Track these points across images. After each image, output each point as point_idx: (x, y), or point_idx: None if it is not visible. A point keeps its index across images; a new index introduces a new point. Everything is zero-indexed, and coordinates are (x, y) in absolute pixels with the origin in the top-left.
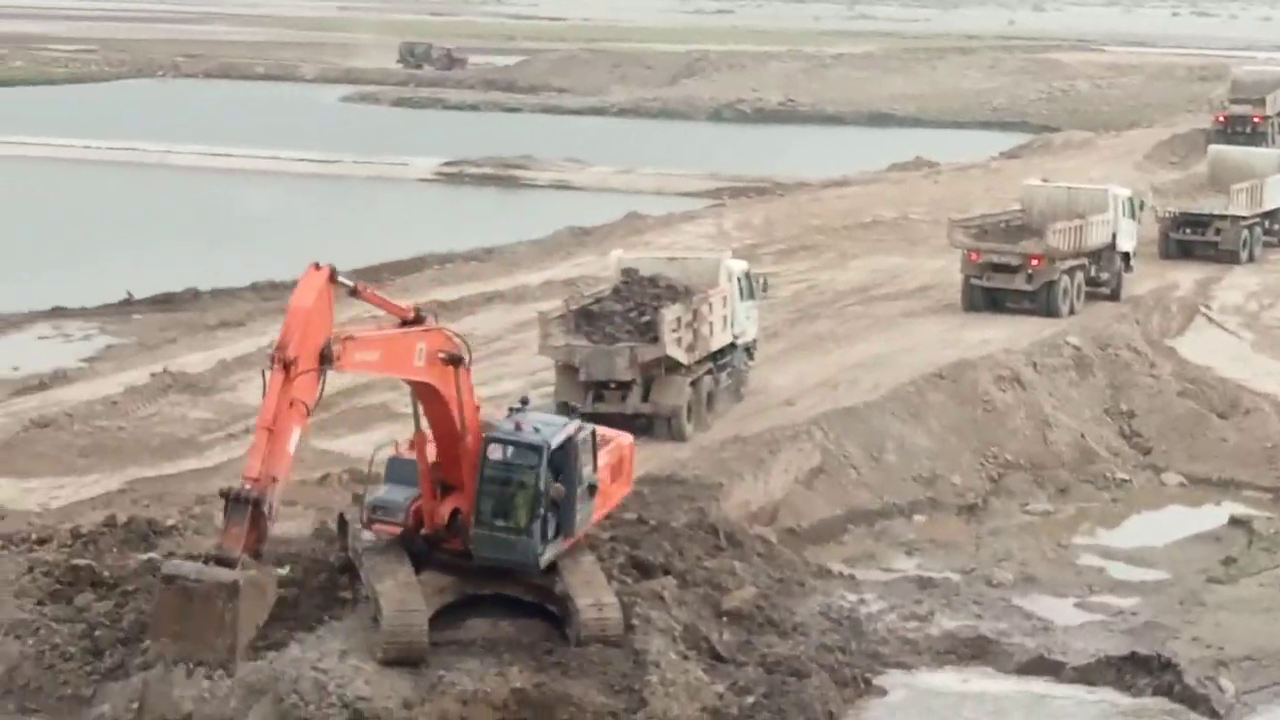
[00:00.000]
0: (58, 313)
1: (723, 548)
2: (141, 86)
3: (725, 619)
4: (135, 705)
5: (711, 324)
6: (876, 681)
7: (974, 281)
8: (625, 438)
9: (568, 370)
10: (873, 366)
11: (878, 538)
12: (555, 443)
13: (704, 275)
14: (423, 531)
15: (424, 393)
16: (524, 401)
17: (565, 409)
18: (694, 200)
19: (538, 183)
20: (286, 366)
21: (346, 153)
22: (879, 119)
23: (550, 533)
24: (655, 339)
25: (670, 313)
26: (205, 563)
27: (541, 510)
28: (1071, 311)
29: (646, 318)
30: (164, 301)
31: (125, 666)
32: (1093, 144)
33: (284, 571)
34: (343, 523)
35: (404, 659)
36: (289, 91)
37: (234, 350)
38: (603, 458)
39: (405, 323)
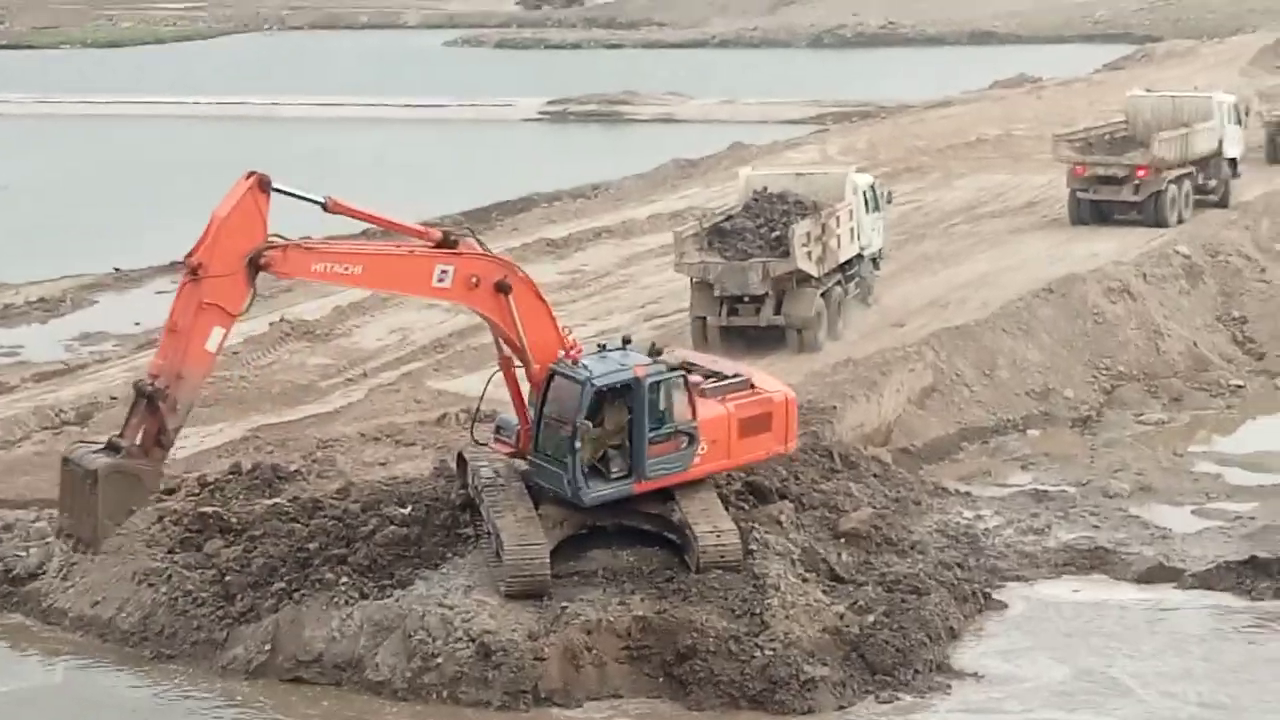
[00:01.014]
0: (176, 267)
1: (838, 470)
2: (248, 41)
3: (843, 540)
4: (267, 647)
5: (839, 237)
6: (996, 596)
7: (1080, 195)
8: (780, 394)
9: (703, 286)
10: (981, 284)
11: (992, 454)
12: (603, 382)
13: (830, 189)
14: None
15: (485, 318)
16: (626, 340)
17: (701, 325)
18: (797, 127)
19: (641, 117)
20: (194, 271)
21: (451, 96)
22: (981, 38)
23: (613, 472)
24: (786, 253)
25: (801, 228)
26: (102, 450)
27: (578, 445)
28: (1180, 220)
29: (777, 233)
30: None
31: (256, 610)
32: (1196, 52)
33: (406, 511)
34: (462, 460)
35: (527, 592)
36: (393, 39)
37: (348, 297)
38: (723, 408)
39: (436, 245)
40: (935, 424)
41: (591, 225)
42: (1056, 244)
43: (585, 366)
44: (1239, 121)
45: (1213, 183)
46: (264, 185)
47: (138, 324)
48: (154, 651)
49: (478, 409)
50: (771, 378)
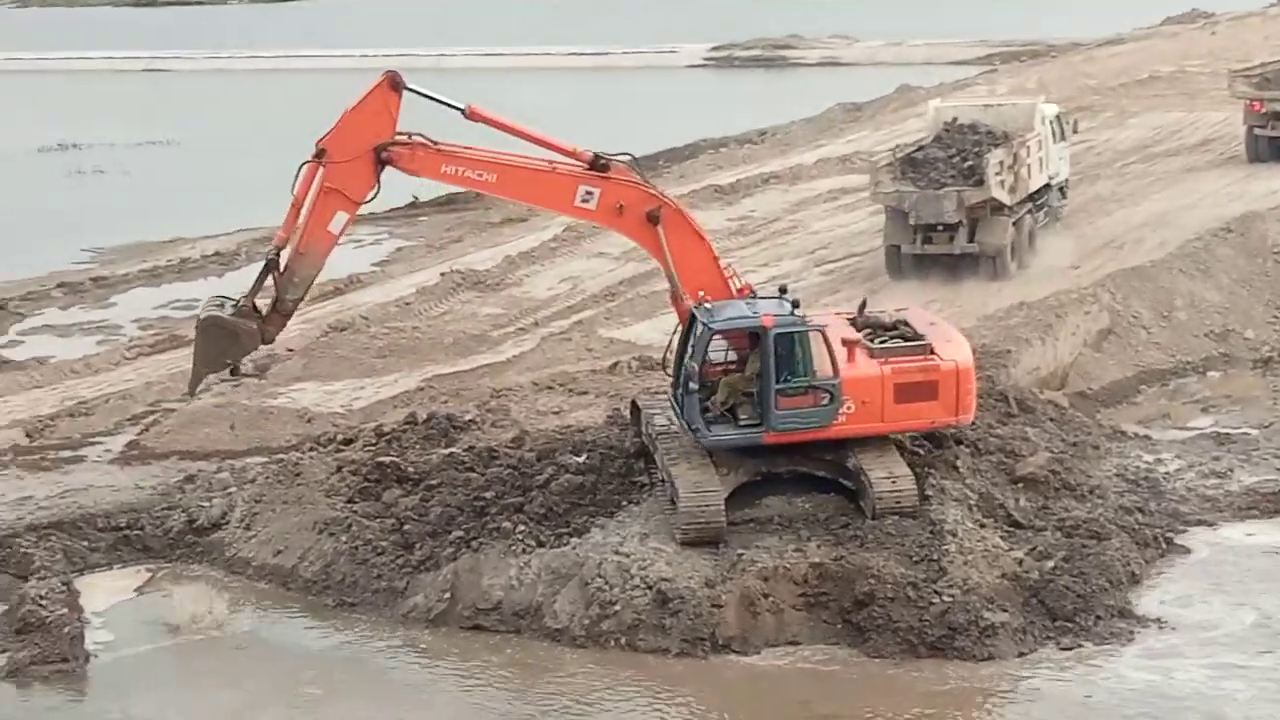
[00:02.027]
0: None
1: (1014, 414)
2: None
3: (1020, 485)
4: (446, 595)
5: (1029, 166)
6: (1178, 540)
7: (1258, 132)
8: (951, 364)
9: (897, 215)
10: (1157, 224)
11: (1171, 396)
12: (721, 327)
13: (1019, 120)
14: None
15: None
16: (782, 290)
17: (895, 253)
18: (966, 68)
19: (806, 61)
20: (318, 155)
21: (617, 44)
22: None
23: (741, 418)
24: (980, 182)
25: (994, 156)
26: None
27: (694, 386)
28: None
29: (969, 162)
30: (448, 202)
31: (435, 558)
32: None
33: (581, 459)
34: (635, 408)
35: (703, 539)
36: None
37: (519, 246)
38: (875, 369)
39: (589, 166)
40: (1112, 367)
41: (759, 171)
42: (1234, 182)
43: (709, 310)
44: None
45: None
46: (395, 84)
47: None
48: (336, 600)
49: (665, 358)
50: (962, 345)
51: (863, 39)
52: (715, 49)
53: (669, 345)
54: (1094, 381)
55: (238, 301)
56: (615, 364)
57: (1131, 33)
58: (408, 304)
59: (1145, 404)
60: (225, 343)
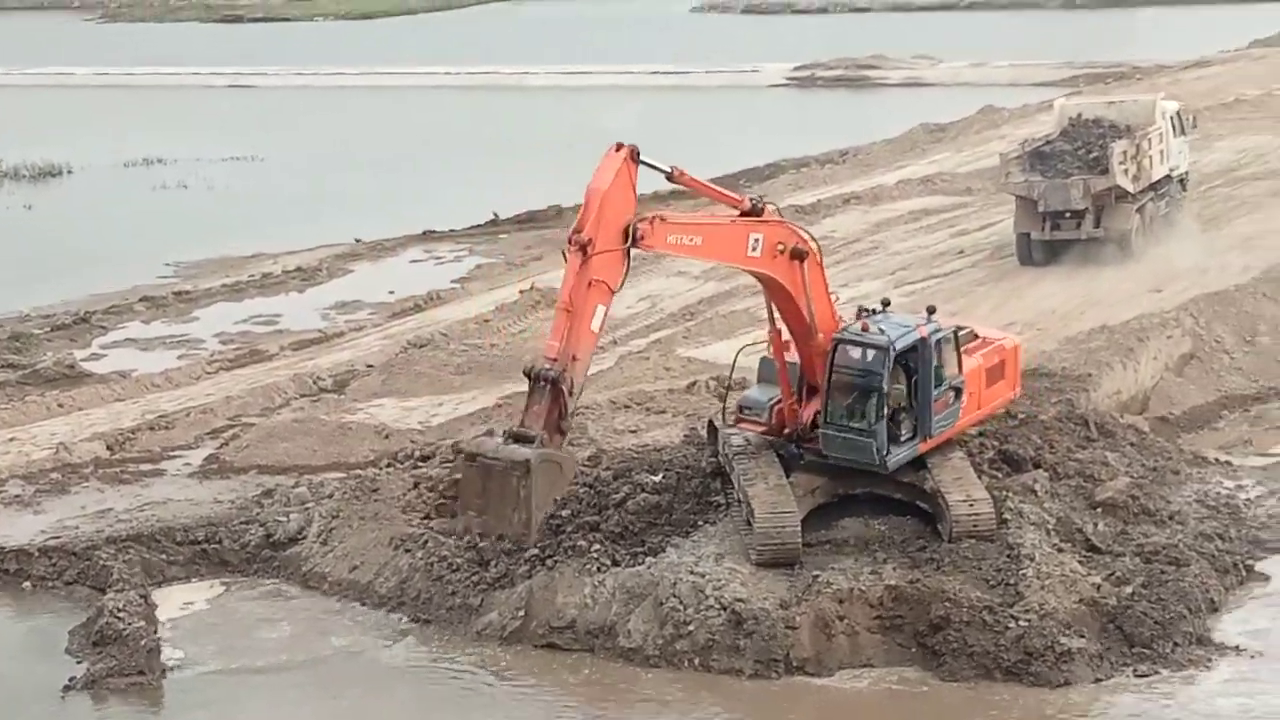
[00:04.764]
0: (428, 236)
1: (1094, 438)
2: (498, 11)
3: (1099, 510)
4: (521, 613)
5: (1151, 157)
6: (1259, 568)
7: None
8: (1009, 340)
9: (1026, 203)
10: (1242, 249)
11: (1254, 422)
12: (902, 344)
13: (1140, 115)
14: (785, 432)
15: (771, 287)
16: (885, 303)
17: (1025, 240)
18: (1050, 90)
19: (889, 81)
20: (583, 248)
21: (699, 63)
22: None
23: (903, 434)
24: (1105, 170)
25: (1118, 146)
26: (505, 440)
27: (885, 411)
28: None
29: (1094, 154)
30: (528, 220)
31: (510, 575)
32: None
33: (658, 478)
34: (712, 428)
35: (778, 560)
36: (640, 6)
37: None
38: (977, 360)
39: (742, 214)
40: (1194, 392)
41: (839, 191)
42: None
43: (881, 330)
44: None
45: None
46: (635, 157)
47: (392, 293)
48: (411, 615)
49: (729, 383)
50: (1000, 333)
51: (946, 59)
52: (798, 68)
53: (730, 373)
54: (1175, 406)
55: (525, 433)
56: (693, 383)
57: (1218, 55)
58: (487, 321)
59: (1227, 429)
60: (555, 478)
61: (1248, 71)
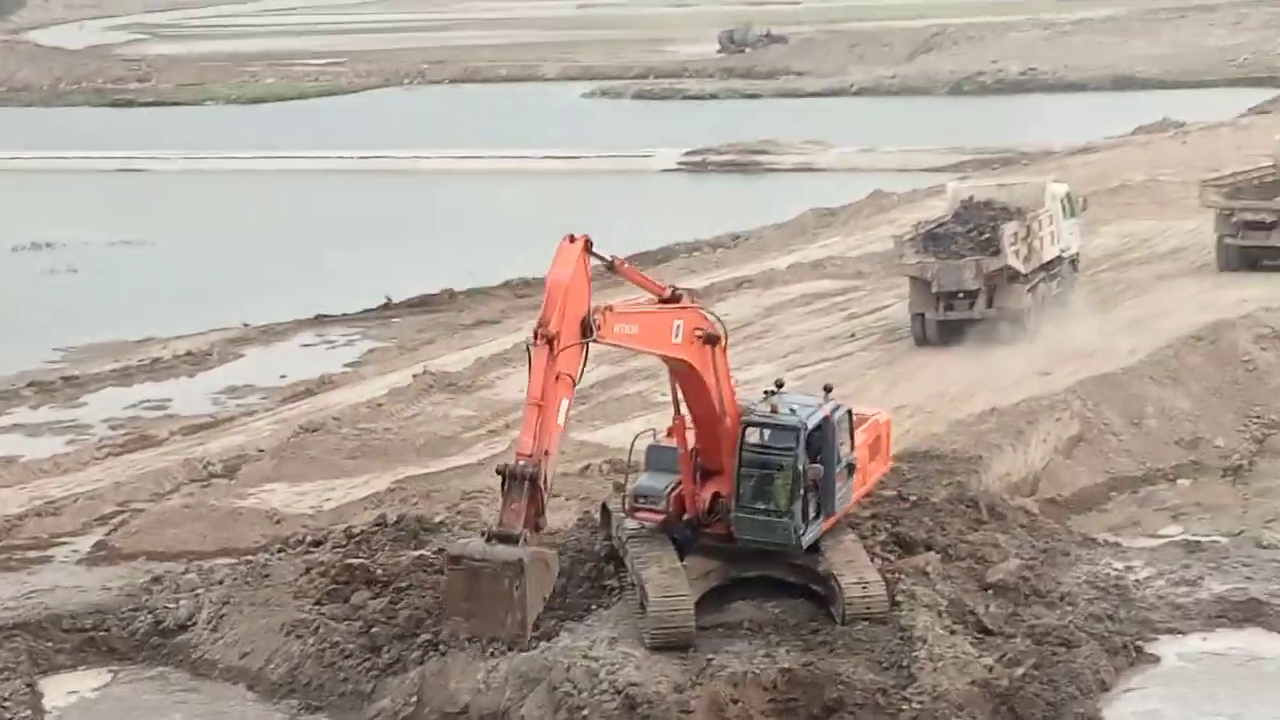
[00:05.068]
0: (320, 320)
1: (984, 520)
2: (390, 95)
3: (990, 591)
4: (414, 699)
5: (1042, 238)
6: (1148, 649)
7: (1229, 241)
8: (882, 415)
9: (920, 284)
10: (1129, 332)
11: (1142, 504)
12: (812, 424)
13: (1030, 197)
14: (685, 517)
15: (683, 374)
16: (779, 384)
17: (920, 320)
18: (938, 175)
19: (780, 166)
20: (550, 342)
21: (590, 148)
22: (1123, 82)
23: (811, 513)
24: (997, 251)
25: (1009, 227)
26: (488, 541)
27: (801, 491)
28: None
29: (986, 235)
30: (421, 303)
31: (403, 661)
32: None
33: None
34: (606, 512)
35: (672, 644)
36: (532, 91)
37: (491, 348)
38: (859, 435)
39: (663, 301)
40: (1083, 474)
41: (732, 275)
42: (1205, 290)
43: (793, 410)
44: None
45: None
46: (588, 247)
47: (283, 377)
48: (302, 703)
49: (629, 468)
50: (870, 409)
51: (836, 145)
52: (690, 153)
53: (630, 451)
54: (1065, 488)
55: (506, 532)
56: (586, 467)
57: (1103, 141)
58: (379, 405)
59: (1115, 511)
60: (544, 576)
61: (1132, 157)
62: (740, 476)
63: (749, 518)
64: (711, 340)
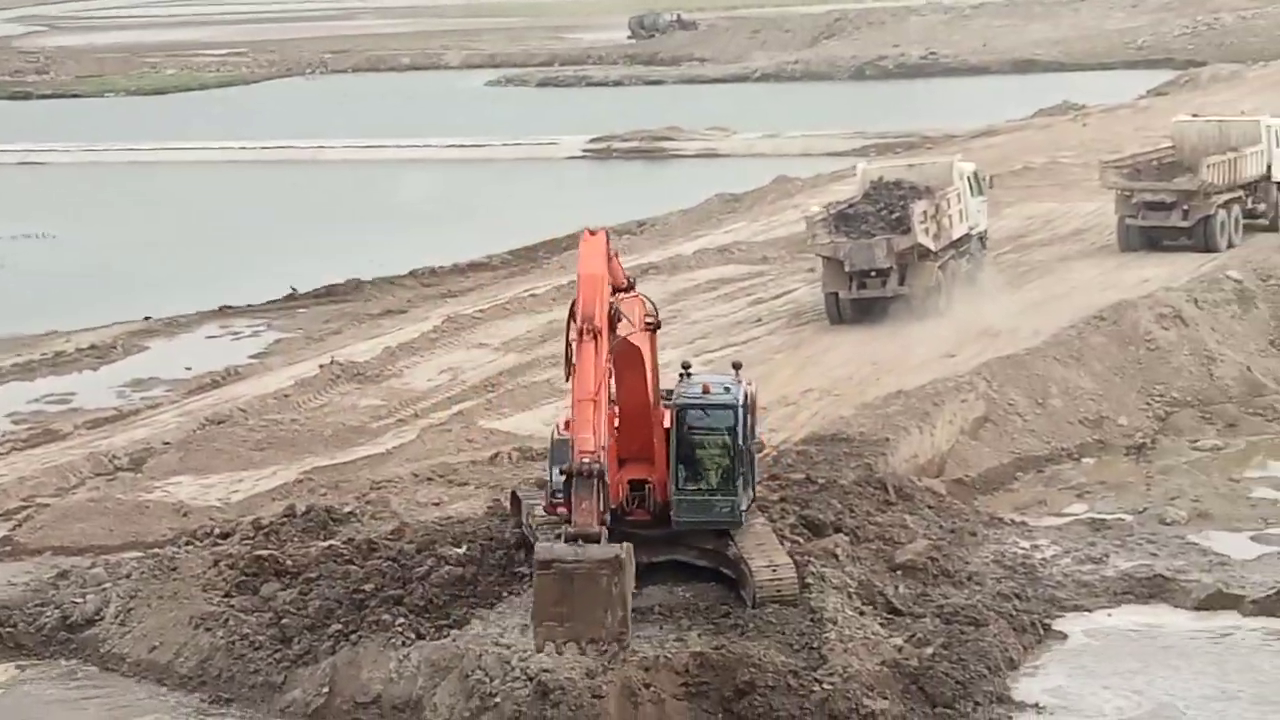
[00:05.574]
0: (225, 311)
1: (892, 502)
2: (291, 85)
3: (899, 572)
4: (325, 689)
5: (950, 216)
6: (1055, 626)
7: (1129, 222)
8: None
9: (833, 264)
10: (1032, 313)
11: (1047, 483)
12: (742, 400)
13: (938, 176)
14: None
15: (627, 359)
16: (686, 366)
17: (833, 299)
18: (841, 160)
19: (685, 153)
20: (596, 335)
21: (495, 136)
22: (1023, 66)
23: (745, 488)
24: (907, 230)
25: (919, 206)
26: (568, 542)
27: (739, 468)
28: (1230, 245)
29: (896, 214)
30: (327, 294)
31: (314, 652)
32: (1241, 76)
33: (461, 550)
34: (516, 500)
35: None
36: (435, 80)
37: (398, 337)
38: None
39: (619, 290)
40: (989, 454)
41: (638, 261)
42: (1107, 271)
43: (726, 388)
44: None
45: (1262, 206)
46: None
47: (188, 369)
48: (212, 695)
49: (551, 472)
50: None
51: (740, 131)
52: (594, 140)
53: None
54: (971, 469)
55: (585, 531)
56: (496, 455)
57: (1004, 124)
58: (286, 396)
59: (1022, 490)
60: (632, 570)
61: (1033, 140)
62: (678, 460)
63: (688, 499)
64: (656, 327)
